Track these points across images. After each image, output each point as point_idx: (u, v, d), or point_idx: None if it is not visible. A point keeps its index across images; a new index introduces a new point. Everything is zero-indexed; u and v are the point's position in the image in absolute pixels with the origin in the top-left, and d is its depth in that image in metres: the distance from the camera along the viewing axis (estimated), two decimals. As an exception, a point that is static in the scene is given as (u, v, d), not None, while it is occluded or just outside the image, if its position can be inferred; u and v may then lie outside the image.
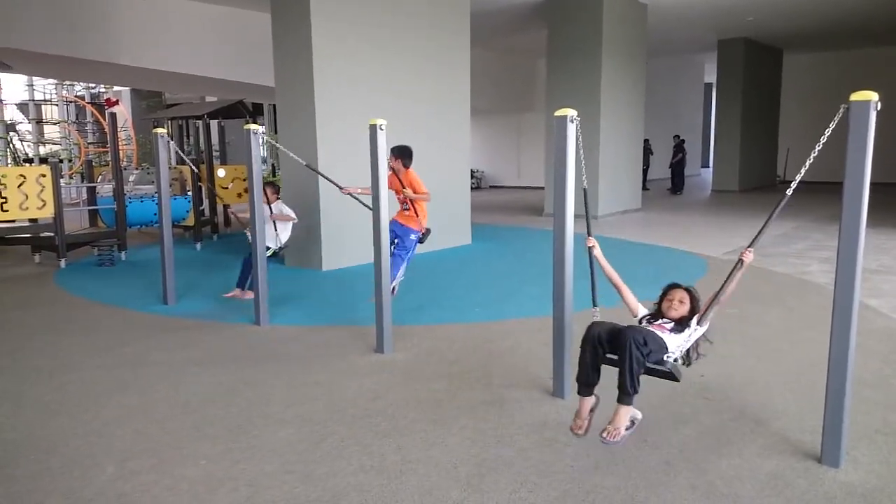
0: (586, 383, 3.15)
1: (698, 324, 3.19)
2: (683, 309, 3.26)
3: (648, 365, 3.03)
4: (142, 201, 10.07)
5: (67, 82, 22.74)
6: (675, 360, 3.12)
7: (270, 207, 6.51)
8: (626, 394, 2.97)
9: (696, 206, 15.60)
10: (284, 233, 6.69)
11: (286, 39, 8.10)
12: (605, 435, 2.98)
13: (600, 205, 12.71)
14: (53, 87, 23.42)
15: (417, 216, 6.02)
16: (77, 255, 9.25)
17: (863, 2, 13.70)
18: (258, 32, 11.82)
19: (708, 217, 13.28)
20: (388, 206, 4.81)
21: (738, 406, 3.74)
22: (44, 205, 8.40)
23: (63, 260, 8.60)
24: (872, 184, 2.90)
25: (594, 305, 3.51)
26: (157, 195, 6.61)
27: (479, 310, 6.10)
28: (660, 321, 3.28)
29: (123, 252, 9.18)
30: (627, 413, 3.01)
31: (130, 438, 3.49)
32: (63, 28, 10.67)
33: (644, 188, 16.92)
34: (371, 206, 4.90)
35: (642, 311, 3.44)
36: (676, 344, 3.15)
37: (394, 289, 5.69)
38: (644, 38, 13.83)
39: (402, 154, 5.98)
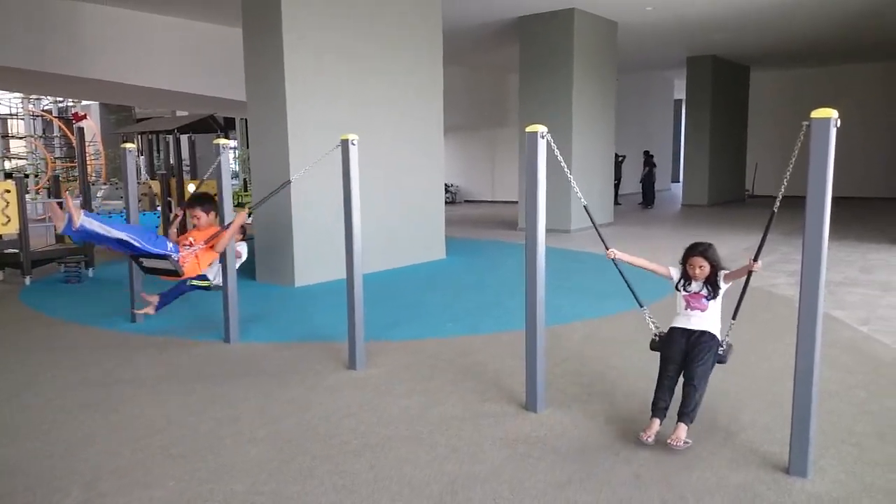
0: (661, 408, 3.45)
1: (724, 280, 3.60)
2: (706, 271, 3.59)
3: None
4: (110, 216, 9.92)
5: (34, 96, 22.39)
6: (727, 344, 3.57)
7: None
8: (686, 416, 3.35)
9: (666, 220, 15.80)
10: (213, 269, 5.81)
11: (258, 54, 8.07)
12: (670, 441, 3.28)
13: (573, 219, 12.81)
14: (20, 100, 23.05)
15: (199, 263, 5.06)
16: (43, 272, 9.07)
17: (825, 22, 14.07)
18: (229, 47, 11.77)
19: (678, 231, 13.46)
20: (361, 220, 4.80)
21: (707, 419, 3.77)
22: (8, 221, 8.23)
23: (28, 277, 8.42)
24: (836, 198, 2.97)
25: (641, 306, 3.81)
26: (125, 210, 6.51)
27: (451, 325, 6.09)
28: (694, 288, 3.63)
29: (91, 269, 9.03)
30: (685, 430, 3.32)
31: (97, 459, 3.41)
32: (30, 41, 10.52)
33: (616, 203, 17.12)
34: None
35: (674, 273, 3.75)
36: (719, 313, 3.59)
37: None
38: (614, 54, 14.04)
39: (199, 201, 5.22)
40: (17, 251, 8.45)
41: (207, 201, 5.05)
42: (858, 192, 19.09)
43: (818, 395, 3.05)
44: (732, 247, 10.24)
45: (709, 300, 3.58)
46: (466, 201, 22.99)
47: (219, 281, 5.64)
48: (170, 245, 4.57)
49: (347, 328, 4.81)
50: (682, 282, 3.68)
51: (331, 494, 3.01)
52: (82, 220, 4.11)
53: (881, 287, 7.36)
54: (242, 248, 5.82)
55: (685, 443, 3.29)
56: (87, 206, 8.95)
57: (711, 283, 3.58)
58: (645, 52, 17.32)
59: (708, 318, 3.57)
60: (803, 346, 3.00)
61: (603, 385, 4.36)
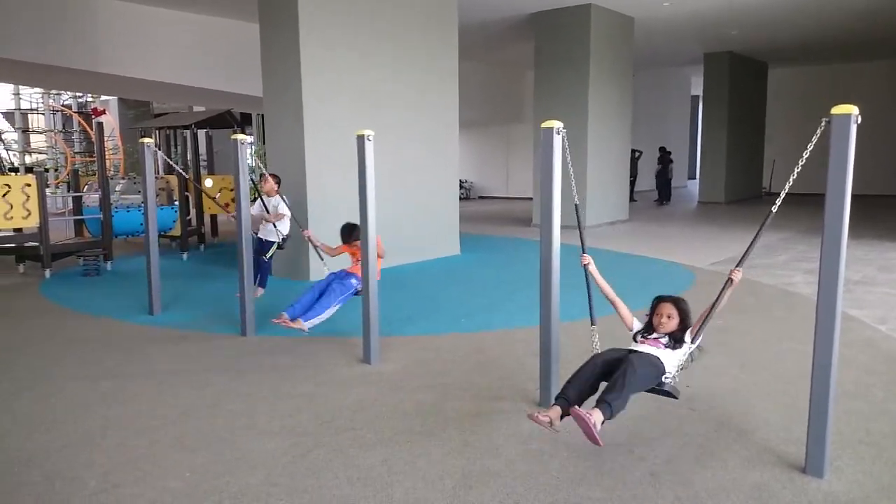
0: (566, 397, 3.08)
1: (692, 341, 3.26)
2: (672, 324, 3.33)
3: (649, 387, 3.13)
4: (128, 211, 10.02)
5: (54, 91, 22.62)
6: (673, 377, 3.18)
7: (266, 205, 6.91)
8: (606, 403, 2.90)
9: (682, 217, 15.70)
10: (283, 225, 6.93)
11: (274, 49, 8.11)
12: (580, 411, 2.85)
13: (588, 215, 12.75)
14: (40, 96, 23.30)
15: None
16: (62, 265, 9.18)
17: (842, 19, 13.90)
18: (246, 42, 11.82)
19: (694, 228, 13.37)
20: (376, 216, 4.80)
21: (723, 417, 3.76)
22: (29, 214, 8.33)
23: (48, 270, 8.53)
24: (855, 196, 2.94)
25: (592, 324, 3.58)
26: (143, 205, 6.58)
27: (465, 320, 6.10)
28: (654, 336, 3.34)
29: (109, 262, 9.12)
30: (600, 418, 2.87)
31: (113, 451, 3.45)
32: (48, 37, 10.62)
33: (632, 199, 17.02)
34: (322, 257, 5.71)
35: (636, 324, 3.50)
36: (673, 363, 3.21)
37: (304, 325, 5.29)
38: (631, 50, 13.95)
39: (352, 233, 5.58)
40: (37, 244, 8.56)
41: (356, 228, 5.63)
42: (868, 189, 18.83)
43: (835, 395, 3.02)
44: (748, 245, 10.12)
45: (667, 348, 3.27)
46: (480, 197, 22.97)
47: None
48: (354, 281, 5.44)
49: (362, 323, 4.83)
50: (641, 332, 3.40)
51: (345, 487, 3.03)
52: (308, 326, 5.18)
53: (901, 286, 7.27)
54: (284, 210, 6.83)
55: (596, 429, 2.80)
56: (105, 199, 9.03)
57: (675, 338, 3.30)
58: (662, 47, 17.19)
59: (659, 353, 3.23)
60: (820, 345, 2.97)
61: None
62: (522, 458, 3.29)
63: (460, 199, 11.01)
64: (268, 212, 6.99)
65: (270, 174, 7.34)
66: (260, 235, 7.05)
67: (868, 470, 3.12)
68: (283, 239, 6.94)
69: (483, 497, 2.92)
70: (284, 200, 6.67)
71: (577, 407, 2.88)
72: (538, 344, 3.95)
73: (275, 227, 7.01)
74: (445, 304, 6.78)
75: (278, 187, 7.23)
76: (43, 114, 23.68)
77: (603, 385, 3.14)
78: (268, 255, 6.97)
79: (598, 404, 2.94)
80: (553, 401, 3.09)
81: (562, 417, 3.05)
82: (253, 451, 3.41)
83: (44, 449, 3.49)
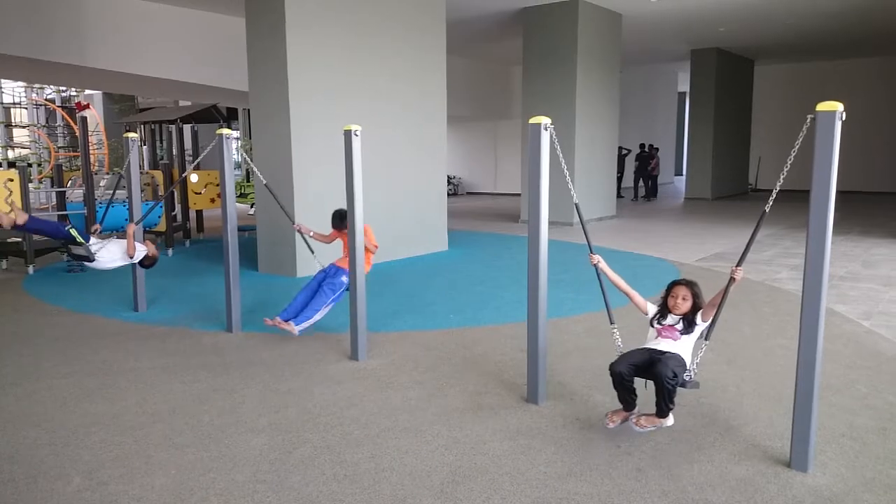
0: (628, 402, 3.48)
1: (705, 338, 3.41)
2: (686, 305, 3.44)
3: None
4: (112, 206, 9.90)
5: (37, 85, 22.37)
6: (695, 373, 3.32)
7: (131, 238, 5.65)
8: (662, 412, 3.32)
9: (669, 213, 15.77)
10: (115, 261, 5.62)
11: (260, 44, 8.04)
12: (634, 422, 3.37)
13: (575, 212, 12.78)
14: (23, 90, 23.05)
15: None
16: (45, 260, 9.08)
17: (828, 17, 14.00)
18: (232, 36, 11.74)
19: (681, 225, 13.43)
20: (363, 211, 4.78)
21: (709, 412, 3.78)
22: (11, 210, 8.22)
23: (31, 266, 8.44)
24: (840, 192, 2.96)
25: (612, 323, 3.64)
26: (127, 200, 6.51)
27: (453, 316, 6.09)
28: (668, 321, 3.45)
29: (94, 258, 9.02)
30: (655, 421, 3.36)
31: (99, 448, 3.42)
32: (32, 30, 10.49)
33: (619, 196, 17.08)
34: (312, 250, 5.56)
35: (651, 309, 3.60)
36: (690, 350, 3.40)
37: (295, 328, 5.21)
38: (619, 47, 13.98)
39: (343, 220, 5.38)
40: (20, 240, 8.46)
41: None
42: (860, 186, 19.03)
43: (820, 390, 3.05)
44: (737, 242, 10.23)
45: (682, 334, 3.41)
46: (469, 193, 22.96)
47: (100, 260, 5.50)
48: (344, 279, 5.37)
49: (349, 319, 4.82)
50: (657, 316, 3.53)
51: (332, 484, 3.02)
52: (298, 329, 5.18)
53: (884, 282, 7.34)
54: (140, 253, 5.69)
55: (655, 426, 3.36)
56: (89, 195, 8.94)
57: (688, 320, 3.43)
58: (649, 44, 17.24)
59: (678, 346, 3.39)
60: (805, 341, 2.99)
61: (604, 378, 4.33)
62: (510, 453, 3.29)
63: (448, 195, 11.00)
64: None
65: (152, 241, 6.19)
66: (99, 257, 5.56)
67: (852, 464, 3.15)
68: (93, 260, 5.54)
69: (471, 493, 2.93)
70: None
71: (635, 423, 3.40)
72: (526, 340, 3.95)
73: (110, 248, 5.64)
74: (433, 300, 6.78)
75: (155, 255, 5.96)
76: (26, 108, 23.43)
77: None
78: (69, 228, 5.51)
79: (658, 413, 3.34)
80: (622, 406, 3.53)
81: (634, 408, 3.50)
82: (239, 448, 3.40)
83: (28, 445, 3.46)
